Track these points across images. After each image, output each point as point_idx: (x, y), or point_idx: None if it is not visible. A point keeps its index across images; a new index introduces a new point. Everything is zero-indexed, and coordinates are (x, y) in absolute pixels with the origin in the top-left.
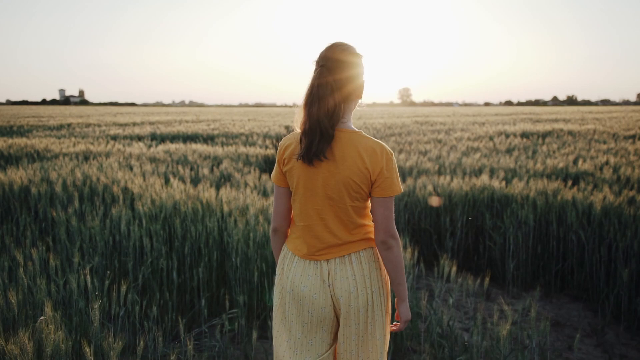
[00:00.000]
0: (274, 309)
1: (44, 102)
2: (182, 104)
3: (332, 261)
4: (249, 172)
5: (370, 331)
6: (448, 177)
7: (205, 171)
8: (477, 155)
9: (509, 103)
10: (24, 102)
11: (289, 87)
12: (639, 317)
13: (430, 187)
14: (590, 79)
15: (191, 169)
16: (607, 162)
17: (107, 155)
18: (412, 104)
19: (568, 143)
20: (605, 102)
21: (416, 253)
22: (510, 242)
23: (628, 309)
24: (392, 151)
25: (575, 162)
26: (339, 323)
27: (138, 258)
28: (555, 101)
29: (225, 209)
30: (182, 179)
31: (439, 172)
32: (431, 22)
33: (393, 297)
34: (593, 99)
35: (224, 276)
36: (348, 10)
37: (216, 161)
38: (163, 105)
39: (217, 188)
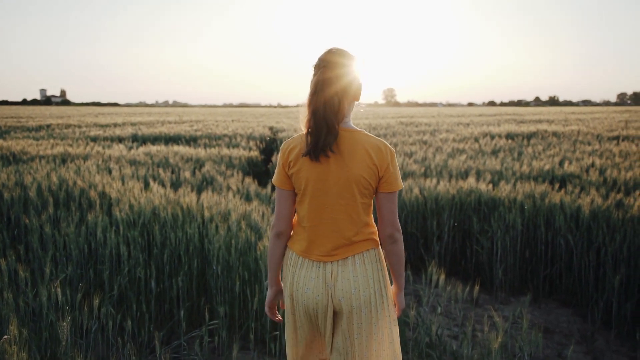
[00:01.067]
0: (285, 310)
1: (24, 102)
2: (165, 104)
3: (335, 263)
4: (232, 175)
5: (374, 331)
6: (434, 180)
7: (187, 174)
8: (463, 157)
9: (492, 103)
10: (4, 102)
11: (273, 87)
12: (629, 323)
13: (416, 190)
14: (571, 80)
15: (172, 172)
16: (592, 164)
17: (86, 157)
18: (397, 104)
19: (553, 144)
20: (587, 103)
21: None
22: (498, 246)
23: (618, 314)
24: (393, 148)
25: (561, 164)
26: (340, 322)
27: (115, 267)
28: (537, 102)
29: (207, 214)
30: (163, 183)
31: (425, 175)
32: (415, 23)
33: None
34: (574, 99)
35: (204, 285)
36: (333, 10)
37: (198, 164)
38: (146, 105)
39: (199, 192)
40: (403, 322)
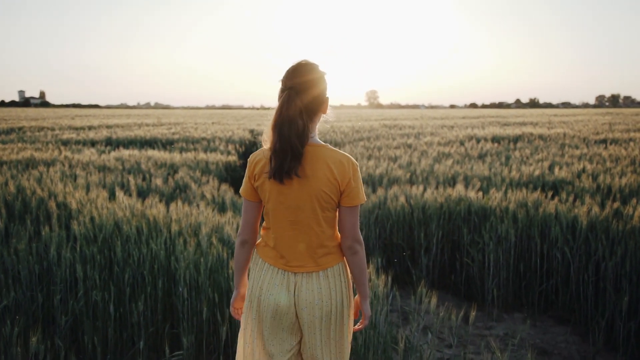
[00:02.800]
0: (244, 309)
1: (2, 104)
2: (147, 105)
3: (300, 274)
4: (208, 181)
5: (332, 336)
6: (421, 187)
7: (159, 181)
8: (450, 161)
9: (473, 105)
10: None
11: (256, 89)
12: (634, 345)
13: (402, 199)
14: (551, 82)
15: (143, 179)
16: (584, 170)
17: (52, 163)
18: (380, 106)
19: (540, 148)
20: (566, 105)
21: (390, 278)
22: (490, 259)
23: (620, 334)
24: (356, 162)
25: (551, 169)
26: (302, 330)
27: (70, 289)
28: (518, 104)
29: (175, 228)
30: (130, 192)
31: (411, 181)
32: (398, 25)
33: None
34: (554, 101)
35: (171, 307)
36: (315, 13)
37: (172, 169)
38: (127, 107)
39: (170, 201)
40: (391, 349)
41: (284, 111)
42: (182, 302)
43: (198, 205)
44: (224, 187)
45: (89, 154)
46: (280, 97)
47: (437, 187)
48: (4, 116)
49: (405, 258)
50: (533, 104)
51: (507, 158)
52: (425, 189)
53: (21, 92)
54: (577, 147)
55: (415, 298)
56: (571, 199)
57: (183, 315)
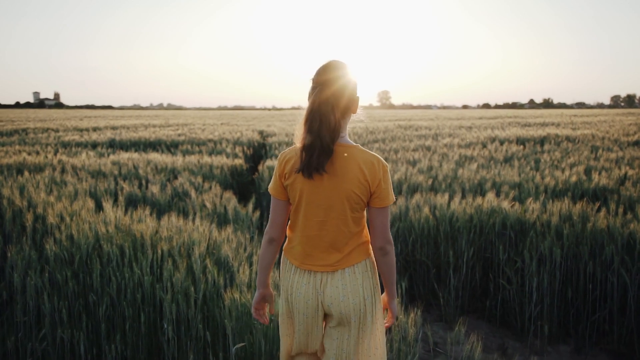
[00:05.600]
0: (279, 312)
1: (17, 105)
2: (159, 106)
3: (325, 273)
4: (210, 188)
5: (361, 335)
6: (446, 196)
7: (155, 189)
8: (474, 165)
9: (486, 106)
10: None
11: (268, 90)
12: None
13: (426, 210)
14: (565, 82)
15: (139, 186)
16: (626, 176)
17: (42, 168)
18: (392, 106)
19: (570, 151)
20: (581, 105)
21: (419, 312)
22: (533, 282)
23: None
24: (387, 163)
25: (587, 174)
26: (329, 327)
27: (34, 325)
28: (532, 104)
29: (164, 247)
30: (122, 202)
31: (433, 188)
32: (410, 25)
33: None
34: (568, 102)
35: (157, 347)
36: (328, 13)
37: (173, 174)
38: (140, 108)
39: (163, 213)
40: None
41: (316, 106)
42: (167, 341)
43: (194, 219)
44: (227, 194)
45: (85, 158)
46: (311, 94)
47: (463, 196)
48: (13, 117)
49: (430, 277)
50: (547, 104)
51: (537, 162)
52: (451, 198)
53: (36, 94)
54: (610, 150)
55: (440, 314)
56: (621, 210)
57: (169, 358)
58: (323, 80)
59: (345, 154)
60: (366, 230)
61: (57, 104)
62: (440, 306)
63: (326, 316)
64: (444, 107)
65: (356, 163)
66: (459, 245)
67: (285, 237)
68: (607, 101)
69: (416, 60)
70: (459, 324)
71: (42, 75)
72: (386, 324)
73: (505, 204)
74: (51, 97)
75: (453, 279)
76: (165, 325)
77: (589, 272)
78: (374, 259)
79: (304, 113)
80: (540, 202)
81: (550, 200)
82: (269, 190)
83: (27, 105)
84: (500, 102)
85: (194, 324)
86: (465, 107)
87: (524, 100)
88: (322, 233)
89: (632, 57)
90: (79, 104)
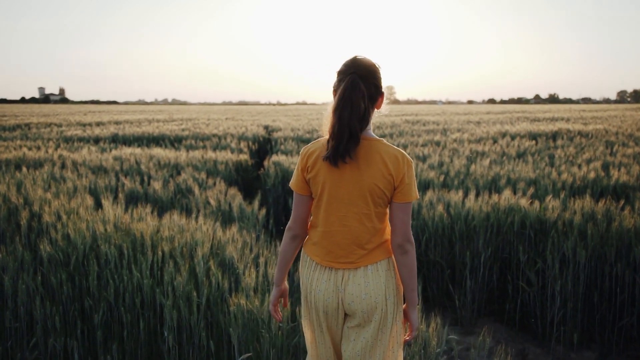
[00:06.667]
0: (302, 311)
1: (22, 101)
2: (164, 102)
3: (347, 270)
4: (214, 184)
5: (379, 337)
6: (460, 193)
7: (157, 185)
8: (486, 161)
9: (491, 101)
10: (2, 101)
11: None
12: None
13: (440, 207)
14: (571, 77)
15: (141, 182)
16: None
17: (41, 163)
18: (396, 101)
19: (584, 146)
20: (586, 100)
21: (439, 320)
22: (557, 285)
23: None
24: (411, 159)
25: (605, 170)
26: (349, 325)
27: (25, 332)
28: (537, 99)
29: (165, 248)
30: (125, 198)
31: (445, 184)
32: (415, 20)
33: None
34: (574, 97)
35: (158, 356)
36: (333, 9)
37: (176, 170)
38: (145, 103)
39: (165, 210)
40: None
41: (347, 93)
42: (167, 350)
43: (197, 217)
44: (232, 191)
45: (86, 153)
46: (337, 86)
47: (478, 193)
48: (17, 112)
49: (444, 278)
50: (553, 99)
51: (551, 157)
52: (466, 195)
53: (41, 89)
54: (625, 145)
55: (457, 319)
56: None
57: None
58: (355, 70)
59: (370, 147)
60: (389, 229)
61: (62, 99)
62: (455, 309)
63: (345, 316)
64: (449, 103)
65: (380, 157)
66: (475, 245)
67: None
68: (613, 96)
69: (421, 56)
70: (483, 333)
71: (47, 71)
72: (406, 338)
73: (524, 202)
74: (56, 92)
75: (469, 280)
76: (166, 333)
77: (615, 274)
78: (394, 261)
79: (331, 105)
80: (560, 199)
81: (572, 198)
82: (290, 186)
83: (33, 100)
84: (506, 98)
85: (197, 331)
86: (470, 102)
87: (530, 95)
88: (345, 229)
89: (638, 52)
90: (84, 99)
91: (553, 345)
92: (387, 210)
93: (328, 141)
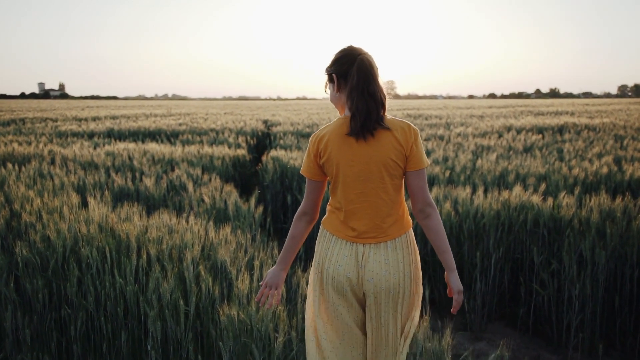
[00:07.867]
0: (311, 282)
1: (22, 96)
2: (164, 97)
3: (368, 245)
4: (209, 180)
5: (399, 310)
6: (468, 189)
7: (149, 181)
8: (493, 156)
9: (492, 95)
10: (2, 96)
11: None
12: None
13: (447, 205)
14: (571, 72)
15: (133, 178)
16: None
17: (29, 159)
18: (397, 96)
19: (593, 140)
20: (587, 95)
21: (450, 327)
22: (576, 288)
23: None
24: (417, 128)
25: (618, 165)
26: (366, 304)
27: None
28: (538, 94)
29: (152, 250)
30: (111, 196)
31: (451, 180)
32: (415, 15)
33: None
34: (575, 91)
35: None
36: (333, 4)
37: (170, 166)
38: (145, 98)
39: (156, 209)
40: None
41: (366, 70)
42: None
43: (188, 217)
44: (228, 187)
45: (77, 148)
46: (342, 70)
47: (486, 189)
48: (12, 107)
49: None
50: (554, 93)
51: (559, 152)
52: (474, 192)
53: (41, 85)
54: (636, 139)
55: (465, 321)
56: None
57: None
58: (359, 53)
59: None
60: (405, 205)
61: (62, 95)
62: (464, 312)
63: (363, 295)
64: (450, 97)
65: (387, 130)
66: (485, 245)
67: (319, 216)
68: (614, 91)
69: (421, 51)
70: (501, 346)
71: (48, 66)
72: (455, 304)
73: (536, 199)
74: (56, 87)
75: (479, 282)
76: (149, 347)
77: (637, 277)
78: (412, 234)
79: (333, 89)
80: (574, 196)
81: (586, 195)
82: (301, 172)
83: (32, 96)
84: (506, 92)
85: (184, 344)
86: (471, 97)
87: (530, 90)
88: (364, 205)
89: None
90: (84, 94)
91: (570, 353)
92: (402, 182)
93: (352, 117)
